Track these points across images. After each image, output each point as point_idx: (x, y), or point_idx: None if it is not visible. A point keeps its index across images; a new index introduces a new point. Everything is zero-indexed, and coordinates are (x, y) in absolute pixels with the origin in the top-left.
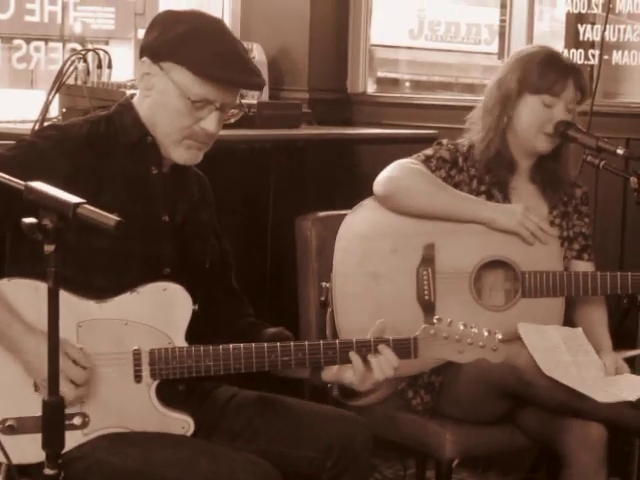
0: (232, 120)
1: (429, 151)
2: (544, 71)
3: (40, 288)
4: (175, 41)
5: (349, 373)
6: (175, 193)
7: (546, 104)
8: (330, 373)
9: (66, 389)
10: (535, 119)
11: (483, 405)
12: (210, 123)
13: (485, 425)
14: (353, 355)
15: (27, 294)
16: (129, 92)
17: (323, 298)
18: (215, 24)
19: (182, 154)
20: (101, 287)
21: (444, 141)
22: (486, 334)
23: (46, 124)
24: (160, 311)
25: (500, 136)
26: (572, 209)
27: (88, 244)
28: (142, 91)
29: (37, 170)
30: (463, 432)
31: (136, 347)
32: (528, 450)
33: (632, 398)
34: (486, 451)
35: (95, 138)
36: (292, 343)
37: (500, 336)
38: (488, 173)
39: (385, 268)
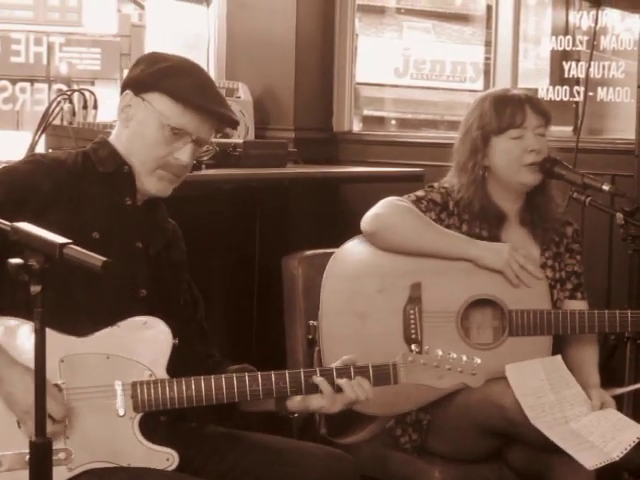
0: (205, 158)
1: (420, 192)
2: (498, 110)
3: (21, 326)
4: (158, 73)
5: (315, 398)
6: (148, 226)
7: (514, 138)
8: (295, 401)
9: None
10: (511, 156)
11: (471, 443)
12: (184, 154)
13: (473, 463)
14: (316, 379)
15: (7, 332)
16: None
17: (311, 336)
18: (197, 65)
19: (155, 184)
20: (81, 305)
21: (435, 184)
22: (465, 359)
23: None
24: (141, 344)
25: (481, 189)
26: (564, 249)
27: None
28: (122, 122)
29: (21, 189)
30: (452, 470)
31: (118, 380)
32: None
33: (615, 455)
34: None
35: (73, 165)
36: (272, 373)
37: (479, 361)
38: (479, 224)
39: (372, 308)
